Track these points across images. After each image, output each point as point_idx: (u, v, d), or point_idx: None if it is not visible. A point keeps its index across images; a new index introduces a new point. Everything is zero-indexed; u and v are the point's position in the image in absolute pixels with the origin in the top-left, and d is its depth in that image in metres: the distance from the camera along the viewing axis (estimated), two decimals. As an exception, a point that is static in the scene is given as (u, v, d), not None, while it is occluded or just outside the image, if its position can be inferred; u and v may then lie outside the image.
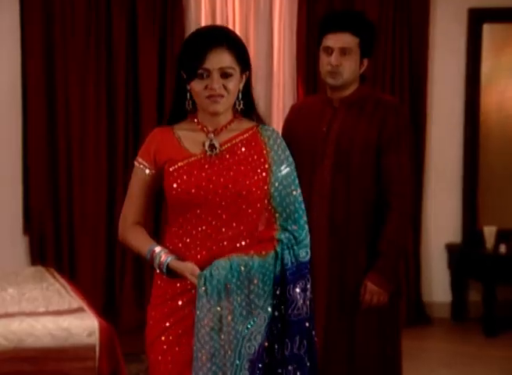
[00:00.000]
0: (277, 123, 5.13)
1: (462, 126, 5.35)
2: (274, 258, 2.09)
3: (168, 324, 2.11)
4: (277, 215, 2.14)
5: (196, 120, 2.17)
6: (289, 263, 2.09)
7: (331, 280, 2.90)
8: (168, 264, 2.08)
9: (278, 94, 5.14)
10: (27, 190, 4.92)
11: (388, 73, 5.15)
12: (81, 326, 3.36)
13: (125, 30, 4.92)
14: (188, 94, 2.13)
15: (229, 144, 2.14)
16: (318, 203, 2.90)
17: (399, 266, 2.96)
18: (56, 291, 3.95)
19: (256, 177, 2.11)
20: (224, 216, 2.09)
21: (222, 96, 2.09)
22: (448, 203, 5.38)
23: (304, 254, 2.13)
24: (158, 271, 2.11)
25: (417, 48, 5.20)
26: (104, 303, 4.92)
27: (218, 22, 4.99)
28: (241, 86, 2.15)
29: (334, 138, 2.89)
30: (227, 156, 2.13)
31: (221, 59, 2.07)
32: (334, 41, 2.85)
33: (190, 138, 2.16)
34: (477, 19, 5.28)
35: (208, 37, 2.09)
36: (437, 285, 5.39)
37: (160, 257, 2.09)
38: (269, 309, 2.07)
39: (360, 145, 2.87)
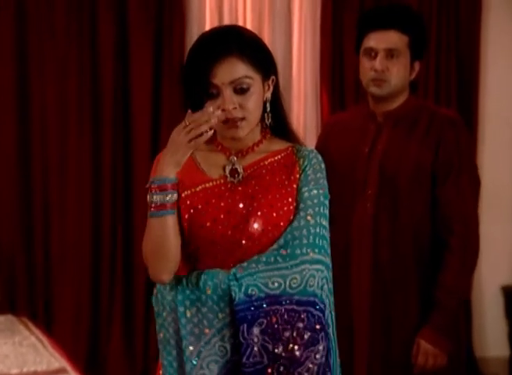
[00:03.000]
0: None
1: (520, 145, 5.39)
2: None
3: None
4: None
5: (215, 141, 2.09)
6: (237, 298, 1.91)
7: (373, 334, 2.87)
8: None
9: (298, 108, 5.13)
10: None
11: (431, 78, 5.13)
12: (64, 392, 3.35)
13: (113, 32, 4.89)
14: None
15: (255, 167, 2.06)
16: (358, 240, 2.87)
17: (458, 319, 2.94)
18: (32, 347, 3.89)
19: (286, 208, 2.00)
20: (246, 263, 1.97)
21: (243, 119, 1.99)
22: (502, 236, 5.38)
23: (276, 285, 1.91)
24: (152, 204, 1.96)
25: (466, 47, 5.18)
26: (87, 357, 4.88)
27: (226, 21, 5.01)
28: (269, 95, 2.05)
29: (378, 161, 2.87)
30: (252, 182, 2.04)
31: (232, 71, 1.97)
32: (378, 40, 2.83)
33: (209, 160, 2.08)
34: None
35: (213, 46, 1.98)
36: (492, 337, 5.36)
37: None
38: (226, 337, 1.93)
39: (410, 170, 2.83)
